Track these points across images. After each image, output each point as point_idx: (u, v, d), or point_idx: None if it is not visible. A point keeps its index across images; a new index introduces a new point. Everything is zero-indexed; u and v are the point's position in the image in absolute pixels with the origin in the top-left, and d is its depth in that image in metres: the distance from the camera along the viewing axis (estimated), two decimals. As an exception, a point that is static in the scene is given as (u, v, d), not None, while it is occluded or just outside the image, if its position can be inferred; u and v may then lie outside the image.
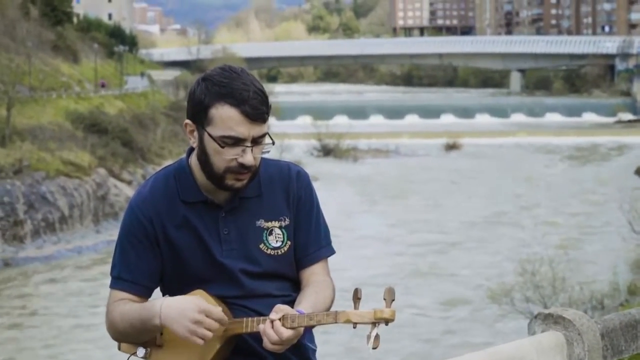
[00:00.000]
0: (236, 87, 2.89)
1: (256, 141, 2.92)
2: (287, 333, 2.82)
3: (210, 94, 2.90)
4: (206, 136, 2.93)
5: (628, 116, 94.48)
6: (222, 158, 2.92)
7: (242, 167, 2.92)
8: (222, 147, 2.91)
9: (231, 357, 3.01)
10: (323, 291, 3.02)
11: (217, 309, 2.89)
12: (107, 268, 3.21)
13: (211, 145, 2.92)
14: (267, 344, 2.84)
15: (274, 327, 2.82)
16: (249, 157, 2.91)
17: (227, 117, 2.89)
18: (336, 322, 2.82)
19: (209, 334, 2.86)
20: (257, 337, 2.90)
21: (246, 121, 2.89)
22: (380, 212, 46.00)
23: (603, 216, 42.80)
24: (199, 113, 2.93)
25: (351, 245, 34.96)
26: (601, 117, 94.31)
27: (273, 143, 2.97)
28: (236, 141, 2.90)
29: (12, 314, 29.55)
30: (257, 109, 2.89)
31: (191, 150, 3.07)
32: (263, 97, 2.91)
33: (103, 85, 66.38)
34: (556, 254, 31.26)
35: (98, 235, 40.75)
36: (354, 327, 2.83)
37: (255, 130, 2.91)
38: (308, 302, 2.94)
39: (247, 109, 2.88)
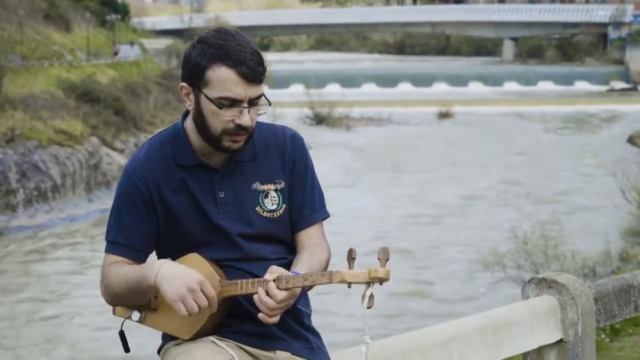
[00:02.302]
0: (232, 49, 2.90)
1: (253, 102, 2.94)
2: (281, 295, 2.82)
3: (207, 55, 2.91)
4: (203, 98, 2.94)
5: (621, 84, 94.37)
6: (219, 119, 2.93)
7: (239, 128, 2.93)
8: (220, 108, 2.91)
9: (226, 320, 3.01)
10: (319, 253, 3.03)
11: (213, 291, 2.88)
12: (100, 236, 3.21)
13: (208, 107, 2.93)
14: (265, 311, 2.83)
15: (269, 288, 2.83)
16: (246, 118, 2.92)
17: (224, 79, 2.90)
18: (331, 282, 2.83)
19: (196, 308, 2.85)
20: (252, 299, 2.89)
21: (243, 82, 2.90)
22: (370, 183, 45.93)
23: (595, 184, 42.84)
24: (195, 75, 2.94)
25: (334, 220, 34.75)
26: (594, 85, 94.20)
27: (269, 104, 2.98)
28: (233, 102, 2.91)
29: (5, 283, 29.56)
30: (254, 70, 2.91)
31: (186, 114, 3.07)
32: (259, 58, 2.93)
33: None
34: (548, 221, 31.29)
35: (90, 204, 40.65)
36: (349, 287, 2.84)
37: (252, 91, 2.92)
38: (304, 264, 2.95)
39: (244, 69, 2.89)
